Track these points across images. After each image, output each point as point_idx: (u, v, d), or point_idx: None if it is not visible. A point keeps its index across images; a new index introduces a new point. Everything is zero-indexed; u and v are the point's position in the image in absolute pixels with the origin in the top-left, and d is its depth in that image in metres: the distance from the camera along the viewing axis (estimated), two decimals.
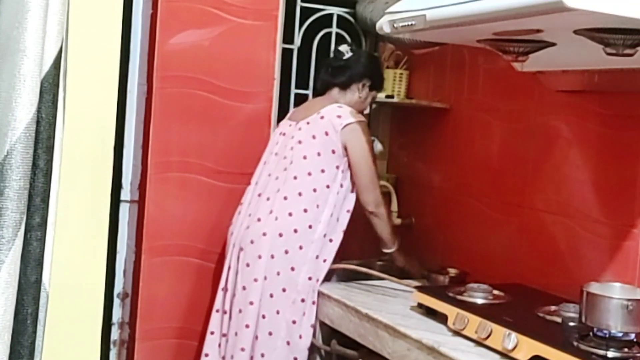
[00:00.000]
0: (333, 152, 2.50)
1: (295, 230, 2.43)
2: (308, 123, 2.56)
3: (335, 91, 2.65)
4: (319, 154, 2.50)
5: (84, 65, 1.76)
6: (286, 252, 2.42)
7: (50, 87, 1.25)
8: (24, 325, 1.26)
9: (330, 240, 2.48)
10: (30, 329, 1.27)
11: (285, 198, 2.47)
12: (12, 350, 1.24)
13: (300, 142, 2.53)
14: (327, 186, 2.48)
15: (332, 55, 2.76)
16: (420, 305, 2.19)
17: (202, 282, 2.73)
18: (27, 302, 1.26)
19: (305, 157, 2.50)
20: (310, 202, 2.46)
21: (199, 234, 2.72)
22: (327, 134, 2.50)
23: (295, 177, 2.49)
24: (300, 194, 2.47)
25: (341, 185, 2.51)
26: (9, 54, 1.19)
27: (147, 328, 2.67)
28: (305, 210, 2.45)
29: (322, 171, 2.49)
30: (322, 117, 2.54)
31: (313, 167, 2.49)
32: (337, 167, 2.50)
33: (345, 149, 2.50)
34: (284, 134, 2.62)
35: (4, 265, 1.18)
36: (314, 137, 2.52)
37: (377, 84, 2.72)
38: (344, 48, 2.68)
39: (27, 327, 1.27)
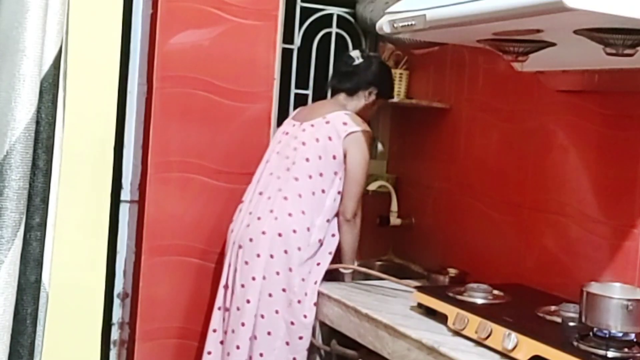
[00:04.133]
0: (334, 157, 2.50)
1: (294, 231, 2.43)
2: (312, 125, 2.56)
3: (341, 97, 2.66)
4: (320, 158, 2.51)
5: (84, 65, 1.76)
6: (285, 252, 2.42)
7: (50, 87, 1.25)
8: (23, 325, 1.26)
9: (321, 244, 2.48)
10: (30, 329, 1.27)
11: (285, 198, 2.47)
12: (12, 350, 1.25)
13: (304, 143, 2.54)
14: (323, 190, 2.49)
15: (343, 59, 2.74)
16: (420, 305, 2.19)
17: (202, 282, 2.73)
18: (27, 302, 1.26)
19: (307, 160, 2.51)
20: (308, 204, 2.47)
21: (198, 234, 2.71)
22: (330, 139, 2.51)
23: (296, 179, 2.49)
24: (300, 196, 2.47)
25: (338, 192, 2.51)
26: (8, 54, 1.19)
27: (147, 328, 2.67)
28: (303, 212, 2.46)
29: (321, 175, 2.50)
30: (327, 122, 2.54)
31: (313, 170, 2.50)
32: (335, 173, 2.51)
33: (345, 155, 2.51)
34: (286, 133, 2.62)
35: (4, 266, 1.18)
36: (317, 140, 2.52)
37: (385, 92, 2.71)
38: (355, 54, 2.68)
39: (26, 327, 1.27)
